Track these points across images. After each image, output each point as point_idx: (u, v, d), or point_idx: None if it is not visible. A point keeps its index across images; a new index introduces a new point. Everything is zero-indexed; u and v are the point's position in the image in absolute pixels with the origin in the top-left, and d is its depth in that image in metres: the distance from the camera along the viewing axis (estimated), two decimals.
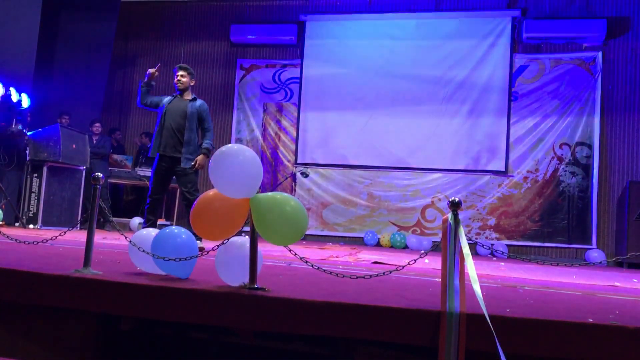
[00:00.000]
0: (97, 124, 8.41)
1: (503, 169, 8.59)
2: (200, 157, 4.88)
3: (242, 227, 2.37)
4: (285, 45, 9.65)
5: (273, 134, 9.59)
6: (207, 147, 4.95)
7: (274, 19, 9.78)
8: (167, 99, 5.03)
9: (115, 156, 9.01)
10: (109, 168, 8.55)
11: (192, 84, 5.08)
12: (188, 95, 5.03)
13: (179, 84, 4.98)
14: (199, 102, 5.03)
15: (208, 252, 2.43)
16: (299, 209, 2.32)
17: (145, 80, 5.06)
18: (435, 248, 2.33)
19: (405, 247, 8.48)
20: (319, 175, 9.18)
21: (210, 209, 2.35)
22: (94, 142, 8.23)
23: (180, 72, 5.00)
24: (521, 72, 8.71)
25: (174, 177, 4.98)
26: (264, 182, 9.17)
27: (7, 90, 6.94)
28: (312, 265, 2.43)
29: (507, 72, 8.70)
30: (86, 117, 8.66)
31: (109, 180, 8.50)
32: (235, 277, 2.31)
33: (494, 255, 7.29)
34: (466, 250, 1.98)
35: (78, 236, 4.94)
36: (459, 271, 1.97)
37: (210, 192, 2.39)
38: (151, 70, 5.03)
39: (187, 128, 4.85)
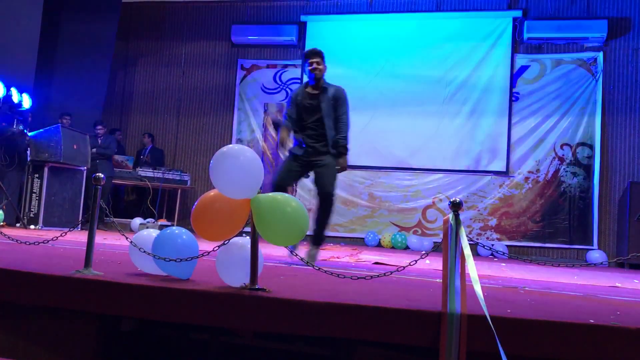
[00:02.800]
0: (100, 126, 8.44)
1: (504, 170, 8.59)
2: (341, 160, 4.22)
3: (243, 228, 2.37)
4: (286, 45, 9.66)
5: (274, 135, 9.59)
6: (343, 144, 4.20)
7: (274, 20, 9.79)
8: (299, 94, 4.30)
9: (116, 156, 9.01)
10: (117, 169, 8.57)
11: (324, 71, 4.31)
12: (320, 86, 4.28)
13: (316, 72, 4.20)
14: (332, 90, 4.27)
15: (209, 253, 2.43)
16: (300, 209, 2.32)
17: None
18: (436, 249, 2.33)
19: (406, 247, 8.48)
20: None
21: (210, 210, 2.35)
22: (99, 142, 8.27)
23: (316, 59, 4.20)
24: (522, 72, 8.71)
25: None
26: (265, 182, 9.15)
27: (8, 90, 6.94)
28: (313, 266, 2.43)
29: (508, 73, 8.70)
30: (87, 117, 8.67)
31: (112, 181, 8.52)
32: (236, 277, 2.31)
33: (494, 256, 7.28)
34: (467, 250, 1.97)
35: (79, 237, 4.94)
36: (460, 272, 1.96)
37: (211, 193, 2.39)
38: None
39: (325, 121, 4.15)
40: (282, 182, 4.18)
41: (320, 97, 4.20)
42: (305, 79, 4.43)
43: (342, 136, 4.19)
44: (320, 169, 4.17)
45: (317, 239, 4.17)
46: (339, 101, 4.23)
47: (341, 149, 4.17)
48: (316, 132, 4.18)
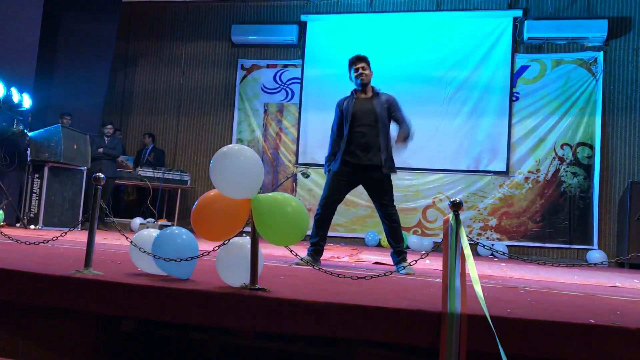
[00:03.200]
0: (110, 126, 8.54)
1: (504, 170, 8.59)
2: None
3: (243, 228, 2.37)
4: (286, 45, 9.66)
5: (274, 134, 9.59)
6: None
7: (275, 19, 9.79)
8: (346, 102, 4.17)
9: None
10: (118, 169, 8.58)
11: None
12: (370, 92, 4.15)
13: (362, 78, 4.08)
14: (384, 96, 4.14)
15: (209, 253, 2.43)
16: (300, 209, 2.32)
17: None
18: (436, 248, 2.33)
19: (407, 247, 8.47)
20: (319, 176, 9.17)
21: (211, 210, 2.35)
22: (106, 141, 8.29)
23: (362, 64, 4.09)
24: (522, 72, 8.71)
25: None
26: (265, 182, 9.16)
27: (8, 90, 6.95)
28: (313, 266, 2.43)
29: (508, 72, 8.70)
30: (87, 117, 8.68)
31: (116, 182, 8.52)
32: (236, 277, 2.31)
33: (495, 256, 7.28)
34: (467, 250, 1.97)
35: (79, 237, 4.94)
36: (460, 272, 1.96)
37: (211, 193, 2.39)
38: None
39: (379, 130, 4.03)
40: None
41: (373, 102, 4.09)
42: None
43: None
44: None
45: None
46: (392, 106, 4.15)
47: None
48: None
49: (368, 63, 4.11)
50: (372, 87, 4.16)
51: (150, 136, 9.66)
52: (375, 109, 4.01)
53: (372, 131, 4.01)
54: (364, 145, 4.03)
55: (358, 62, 4.07)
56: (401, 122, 4.08)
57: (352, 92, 4.20)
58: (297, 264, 3.39)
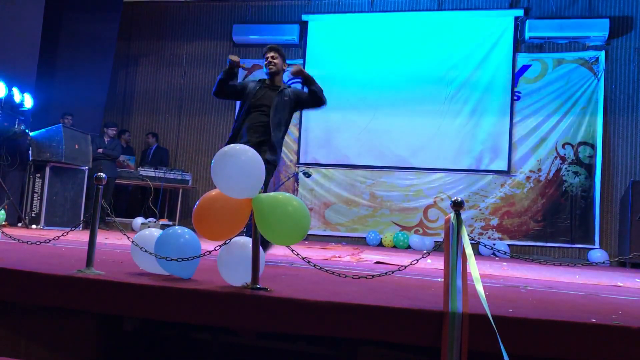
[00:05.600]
0: (114, 128, 8.61)
1: (505, 169, 8.58)
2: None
3: (244, 228, 2.37)
4: (288, 45, 9.64)
5: None
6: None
7: (276, 19, 9.79)
8: (252, 85, 4.12)
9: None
10: (117, 169, 8.59)
11: (284, 68, 4.13)
12: (279, 82, 4.10)
13: (271, 67, 4.03)
14: (291, 90, 4.10)
15: (210, 253, 2.43)
16: (301, 209, 2.32)
17: (227, 68, 4.05)
18: (437, 248, 2.33)
19: (408, 247, 8.47)
20: (321, 175, 9.18)
21: (212, 209, 2.35)
22: (106, 142, 8.32)
23: (272, 53, 4.05)
24: (524, 71, 8.70)
25: None
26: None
27: (10, 90, 6.96)
28: (314, 266, 2.43)
29: (509, 72, 8.69)
30: (89, 117, 8.69)
31: (116, 182, 8.54)
32: (238, 277, 2.31)
33: (496, 255, 7.28)
34: (469, 250, 1.97)
35: (80, 236, 4.95)
36: (462, 271, 1.96)
37: (213, 192, 2.39)
38: (234, 58, 4.02)
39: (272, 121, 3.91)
40: None
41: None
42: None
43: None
44: None
45: None
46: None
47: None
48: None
49: (281, 54, 4.07)
50: (284, 82, 4.14)
51: (154, 136, 9.69)
52: (273, 101, 3.93)
53: (264, 118, 3.90)
54: (254, 129, 3.90)
55: (269, 51, 4.06)
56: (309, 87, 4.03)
57: (262, 79, 4.16)
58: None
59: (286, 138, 9.40)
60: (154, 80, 10.28)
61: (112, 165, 8.40)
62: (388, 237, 8.61)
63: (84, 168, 7.43)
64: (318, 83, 4.03)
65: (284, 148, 9.60)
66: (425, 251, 2.35)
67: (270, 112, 3.90)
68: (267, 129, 3.87)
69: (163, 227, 6.57)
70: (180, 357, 2.67)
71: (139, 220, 7.88)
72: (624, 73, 8.36)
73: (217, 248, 2.37)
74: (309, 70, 9.38)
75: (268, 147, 3.84)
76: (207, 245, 2.52)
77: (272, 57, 4.02)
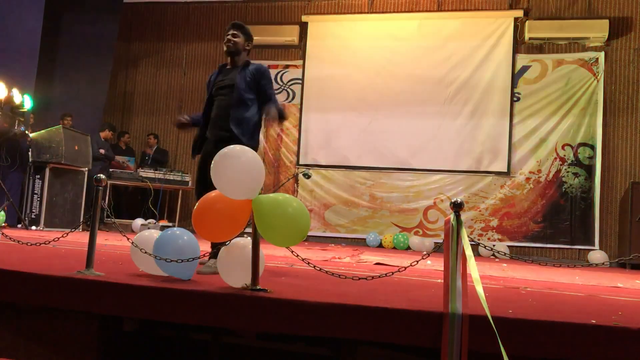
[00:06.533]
0: (108, 131, 8.70)
1: (505, 170, 8.58)
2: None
3: (244, 229, 2.37)
4: (287, 46, 9.65)
5: (275, 135, 9.59)
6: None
7: (275, 20, 9.79)
8: (213, 76, 3.86)
9: (117, 157, 9.04)
10: (110, 170, 8.59)
11: (247, 47, 3.68)
12: (240, 62, 3.67)
13: (229, 45, 3.60)
14: (253, 66, 3.63)
15: (210, 254, 2.43)
16: (301, 210, 2.32)
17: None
18: (437, 249, 2.33)
19: (408, 248, 8.47)
20: (321, 177, 9.18)
21: (212, 210, 2.35)
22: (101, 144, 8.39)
23: (232, 31, 3.61)
24: (523, 72, 8.70)
25: None
26: (266, 183, 9.16)
27: (10, 91, 6.95)
28: (314, 267, 2.43)
29: (509, 73, 8.69)
30: (89, 118, 8.70)
31: (110, 182, 8.55)
32: (238, 278, 2.31)
33: (496, 257, 7.28)
34: (468, 251, 1.97)
35: (80, 237, 4.94)
36: (462, 272, 1.96)
37: (212, 194, 2.39)
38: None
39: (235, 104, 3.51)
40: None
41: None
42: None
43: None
44: None
45: None
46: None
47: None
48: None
49: (243, 31, 3.62)
50: (247, 60, 3.68)
51: (155, 137, 9.70)
52: (235, 80, 3.55)
53: (227, 101, 3.55)
54: (216, 116, 3.60)
55: (230, 29, 3.62)
56: (266, 100, 3.54)
57: (220, 65, 3.86)
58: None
59: (286, 139, 9.55)
60: (154, 81, 10.28)
61: (103, 165, 8.48)
62: (388, 238, 8.61)
63: (83, 169, 7.42)
64: (277, 105, 3.50)
65: (283, 149, 9.65)
66: (425, 252, 2.35)
67: (232, 92, 3.52)
68: (229, 110, 3.47)
69: (163, 228, 6.57)
70: (180, 358, 2.67)
71: (138, 221, 7.88)
72: (624, 74, 8.36)
73: (205, 254, 2.34)
74: (309, 70, 9.41)
75: (233, 124, 3.42)
76: (206, 247, 2.52)
77: (233, 35, 3.57)
